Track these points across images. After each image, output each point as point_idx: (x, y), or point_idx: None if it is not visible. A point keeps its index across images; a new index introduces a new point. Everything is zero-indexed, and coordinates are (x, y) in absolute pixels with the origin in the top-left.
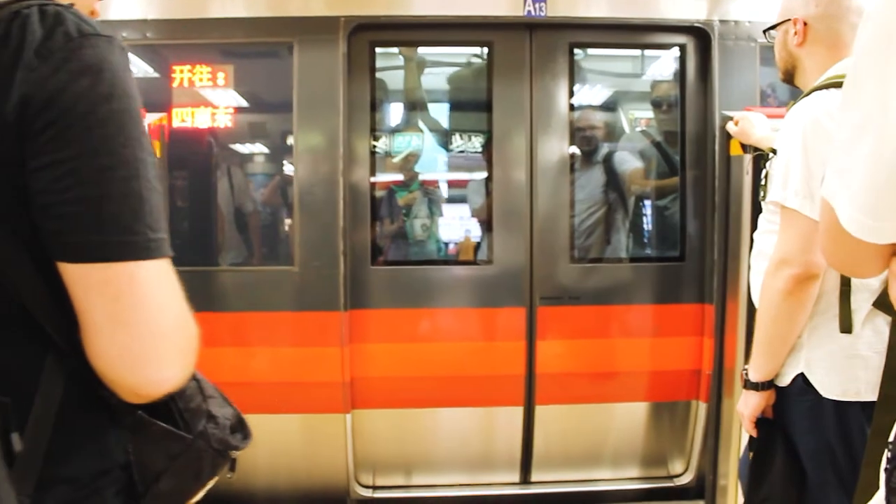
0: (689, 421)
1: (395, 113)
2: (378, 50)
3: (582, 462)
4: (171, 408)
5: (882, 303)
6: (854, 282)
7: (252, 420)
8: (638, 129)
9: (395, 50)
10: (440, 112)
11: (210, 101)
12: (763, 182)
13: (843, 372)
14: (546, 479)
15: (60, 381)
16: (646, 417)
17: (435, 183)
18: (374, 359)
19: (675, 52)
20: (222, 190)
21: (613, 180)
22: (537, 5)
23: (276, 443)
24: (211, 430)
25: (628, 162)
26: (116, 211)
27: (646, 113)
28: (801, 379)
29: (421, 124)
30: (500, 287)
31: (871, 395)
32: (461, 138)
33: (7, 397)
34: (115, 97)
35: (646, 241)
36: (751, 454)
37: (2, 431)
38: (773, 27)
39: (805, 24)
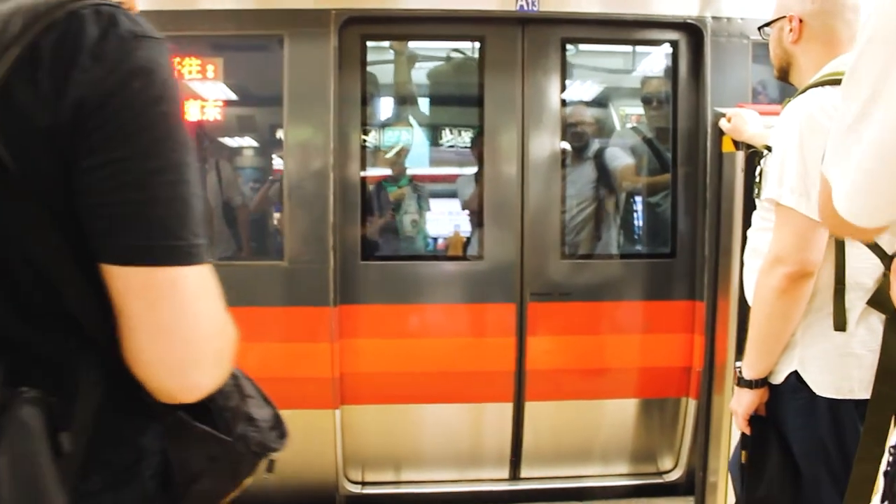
0: (678, 417)
1: (386, 107)
2: (369, 44)
3: (572, 458)
4: (210, 406)
5: (876, 301)
6: (848, 280)
7: None
8: (630, 125)
9: (386, 44)
10: (431, 107)
11: (199, 94)
12: (757, 179)
13: (836, 370)
14: (535, 475)
15: (99, 382)
16: (636, 414)
17: (426, 178)
18: (363, 354)
19: (668, 48)
20: (211, 184)
21: (605, 176)
22: (530, 0)
23: None
24: (251, 432)
25: (620, 158)
26: (162, 215)
27: (638, 109)
28: (795, 377)
29: (412, 119)
30: (491, 283)
31: (864, 393)
32: (452, 133)
33: (53, 397)
34: (164, 100)
35: (637, 237)
36: (743, 453)
37: (51, 432)
38: (767, 24)
39: (801, 20)
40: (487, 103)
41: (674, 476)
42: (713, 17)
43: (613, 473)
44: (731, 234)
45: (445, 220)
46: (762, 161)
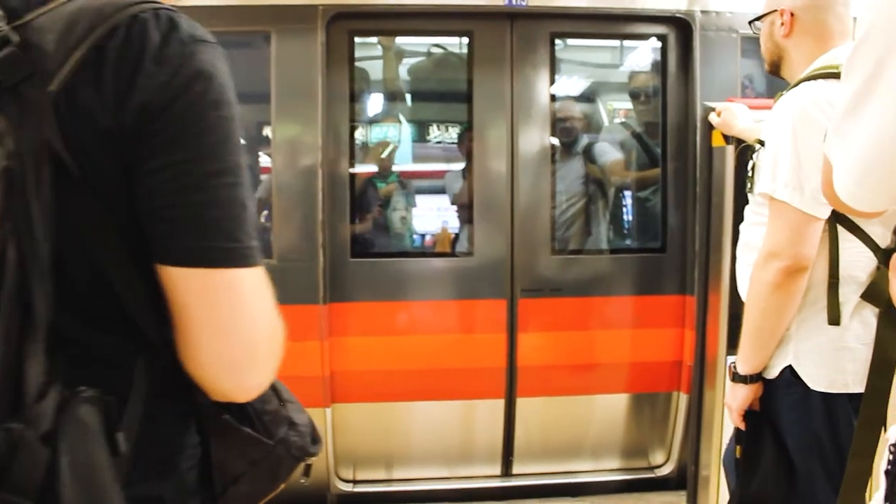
0: (670, 412)
1: (374, 103)
2: (357, 39)
3: (563, 454)
4: (248, 410)
5: (870, 294)
6: (842, 274)
7: None
8: (619, 120)
9: (374, 39)
10: (420, 102)
11: None
12: (750, 174)
13: (831, 364)
14: (527, 471)
15: (149, 382)
16: (627, 409)
17: (415, 174)
18: (354, 352)
19: (657, 42)
20: None
21: (595, 171)
22: None
23: None
24: (292, 437)
25: (609, 153)
26: (221, 216)
27: (627, 104)
28: (790, 371)
29: (401, 115)
30: (481, 279)
31: (858, 386)
32: (440, 129)
33: (111, 396)
34: (223, 104)
35: (627, 232)
36: (738, 447)
37: (108, 431)
38: (758, 18)
39: (792, 14)
40: (476, 99)
41: (665, 470)
42: (702, 12)
43: (605, 469)
44: (721, 229)
45: (435, 216)
46: (754, 155)
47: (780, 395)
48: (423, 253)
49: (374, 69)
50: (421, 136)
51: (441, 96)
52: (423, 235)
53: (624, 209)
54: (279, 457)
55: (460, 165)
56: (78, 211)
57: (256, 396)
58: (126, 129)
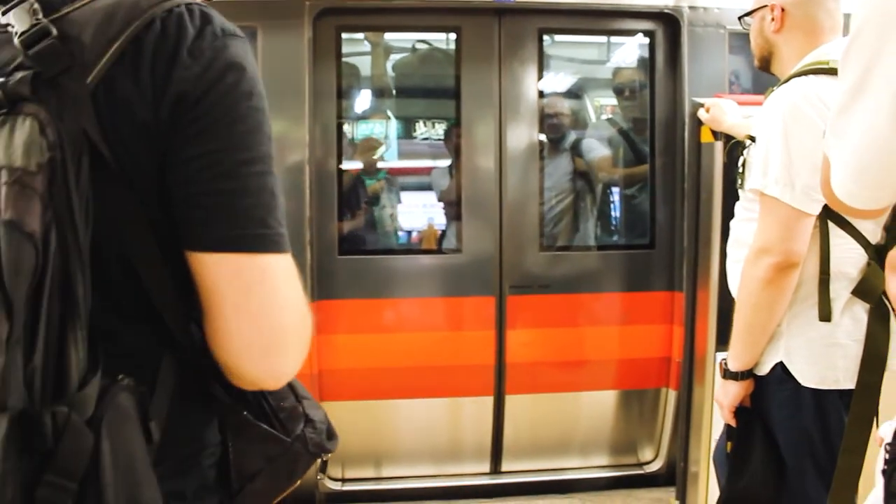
0: (658, 408)
1: (362, 100)
2: (344, 35)
3: (552, 451)
4: (265, 408)
5: (861, 291)
6: (833, 270)
7: None
8: (608, 115)
9: (361, 35)
10: (408, 99)
11: None
12: (740, 170)
13: (822, 360)
14: (517, 468)
15: (174, 380)
16: (616, 405)
17: (403, 171)
18: (342, 350)
19: (645, 38)
20: None
21: (583, 168)
22: None
23: None
24: (309, 433)
25: (598, 149)
26: (252, 204)
27: (615, 100)
28: (781, 368)
29: (389, 111)
30: (470, 276)
31: (849, 383)
32: (429, 125)
33: (144, 386)
34: (254, 95)
35: (615, 228)
36: (729, 444)
37: (143, 420)
38: (748, 13)
39: (783, 9)
40: (464, 95)
41: (654, 467)
42: (690, 7)
43: (594, 465)
44: (710, 225)
45: (424, 213)
46: (745, 151)
47: (771, 391)
48: (412, 250)
49: (362, 65)
50: (409, 132)
51: (429, 92)
52: (409, 232)
53: (612, 205)
54: (296, 453)
55: (448, 162)
56: (113, 203)
57: (284, 384)
58: (162, 121)
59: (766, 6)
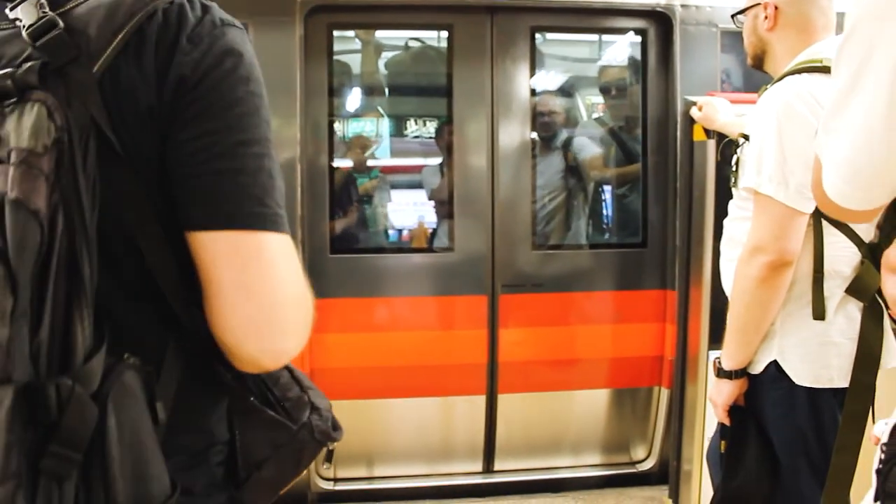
0: (651, 407)
1: (354, 98)
2: (336, 33)
3: (545, 450)
4: (271, 398)
5: (854, 289)
6: (827, 268)
7: None
8: (600, 114)
9: (353, 33)
10: (400, 97)
11: None
12: (734, 168)
13: (816, 359)
14: (509, 467)
15: (180, 362)
16: (608, 404)
17: (395, 169)
18: (334, 349)
19: (637, 36)
20: None
21: (575, 166)
22: None
23: None
24: (315, 421)
25: (590, 148)
26: (250, 183)
27: (607, 98)
28: (775, 366)
29: (381, 109)
30: (462, 275)
31: (843, 381)
32: (421, 124)
33: (150, 366)
34: (252, 80)
35: (608, 227)
36: (723, 443)
37: (149, 399)
38: (741, 11)
39: (776, 7)
40: (456, 93)
41: (647, 465)
42: (682, 6)
43: (587, 464)
44: (702, 223)
45: (416, 212)
46: (739, 150)
47: (765, 390)
48: (404, 249)
49: (354, 63)
50: (401, 130)
51: (421, 90)
52: (399, 231)
53: (605, 204)
54: (302, 441)
55: (440, 160)
56: (119, 186)
57: (284, 363)
58: (165, 104)
59: (759, 4)
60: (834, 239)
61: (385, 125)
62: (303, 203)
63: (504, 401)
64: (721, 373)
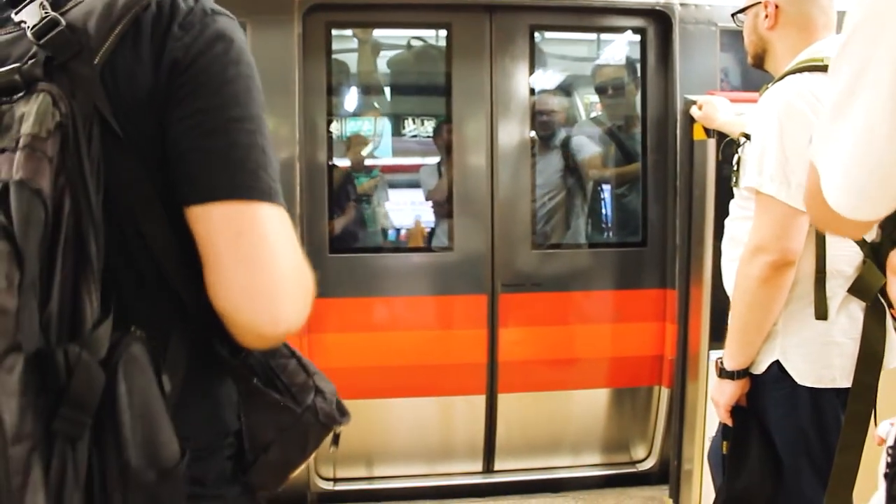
0: (651, 406)
1: (352, 96)
2: (334, 31)
3: (545, 449)
4: (278, 384)
5: (856, 289)
6: (829, 268)
7: None
8: (599, 113)
9: (351, 32)
10: (399, 96)
11: None
12: (735, 168)
13: (818, 359)
14: (509, 467)
15: (186, 345)
16: (608, 404)
17: (394, 168)
18: (333, 349)
19: (636, 35)
20: None
21: (575, 165)
22: None
23: None
24: (319, 403)
25: (590, 146)
26: (243, 157)
27: (607, 97)
28: (777, 367)
29: (379, 108)
30: (461, 274)
31: (845, 381)
32: (420, 123)
33: (156, 341)
34: (242, 63)
35: (607, 226)
36: (725, 443)
37: (156, 371)
38: (742, 10)
39: (776, 6)
40: (455, 92)
41: (647, 465)
42: (681, 4)
43: (587, 464)
44: (702, 222)
45: (415, 211)
46: (740, 149)
47: (768, 390)
48: (403, 248)
49: (352, 62)
50: (400, 129)
51: (420, 89)
52: (398, 230)
53: (604, 203)
54: (307, 423)
55: (439, 159)
56: (122, 171)
57: (287, 333)
58: (161, 88)
59: (759, 3)
60: (835, 238)
61: (384, 124)
62: (301, 202)
63: (504, 400)
64: (723, 373)
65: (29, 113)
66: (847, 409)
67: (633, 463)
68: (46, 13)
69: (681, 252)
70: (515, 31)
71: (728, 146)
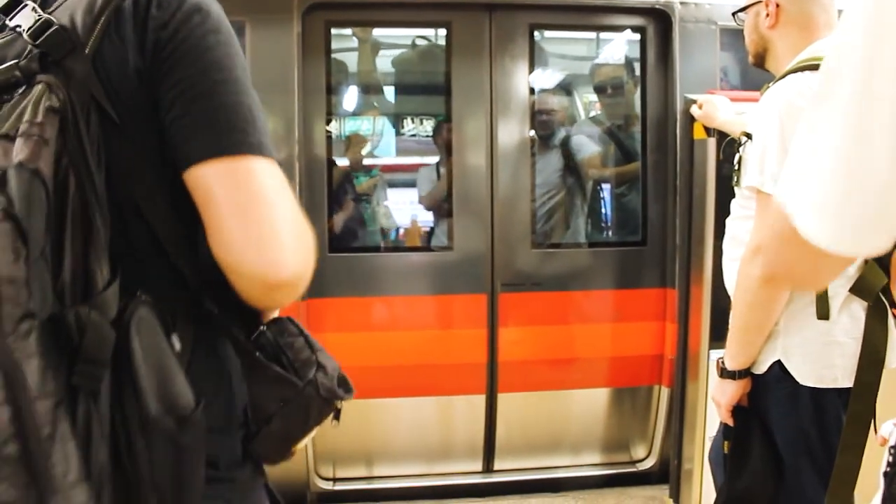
0: (651, 406)
1: (352, 96)
2: (334, 30)
3: (545, 449)
4: (283, 361)
5: (858, 288)
6: None
7: None
8: (599, 112)
9: (351, 31)
10: (398, 95)
11: None
12: (736, 167)
13: (820, 359)
14: (509, 467)
15: (191, 319)
16: (608, 403)
17: (394, 167)
18: (332, 349)
19: (636, 34)
20: None
21: (574, 164)
22: None
23: None
24: (321, 378)
25: (590, 146)
26: (230, 117)
27: (606, 96)
28: (778, 366)
29: (379, 107)
30: (461, 273)
31: (847, 381)
32: (420, 122)
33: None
34: (221, 31)
35: (607, 225)
36: (726, 443)
37: (166, 331)
38: (742, 9)
39: (777, 5)
40: (455, 91)
41: (647, 465)
42: (681, 3)
43: (587, 463)
44: (703, 222)
45: (415, 210)
46: (741, 149)
47: (769, 390)
48: (403, 248)
49: (352, 60)
50: (399, 128)
51: (420, 89)
52: (397, 229)
53: (604, 202)
54: (309, 397)
55: (439, 158)
56: (120, 153)
57: (290, 279)
58: (148, 65)
59: (760, 1)
60: None
61: (384, 123)
62: (301, 201)
63: (504, 400)
64: (724, 373)
65: (27, 101)
66: (849, 409)
67: (634, 462)
68: (40, 16)
69: (681, 251)
70: (515, 30)
71: (729, 145)
